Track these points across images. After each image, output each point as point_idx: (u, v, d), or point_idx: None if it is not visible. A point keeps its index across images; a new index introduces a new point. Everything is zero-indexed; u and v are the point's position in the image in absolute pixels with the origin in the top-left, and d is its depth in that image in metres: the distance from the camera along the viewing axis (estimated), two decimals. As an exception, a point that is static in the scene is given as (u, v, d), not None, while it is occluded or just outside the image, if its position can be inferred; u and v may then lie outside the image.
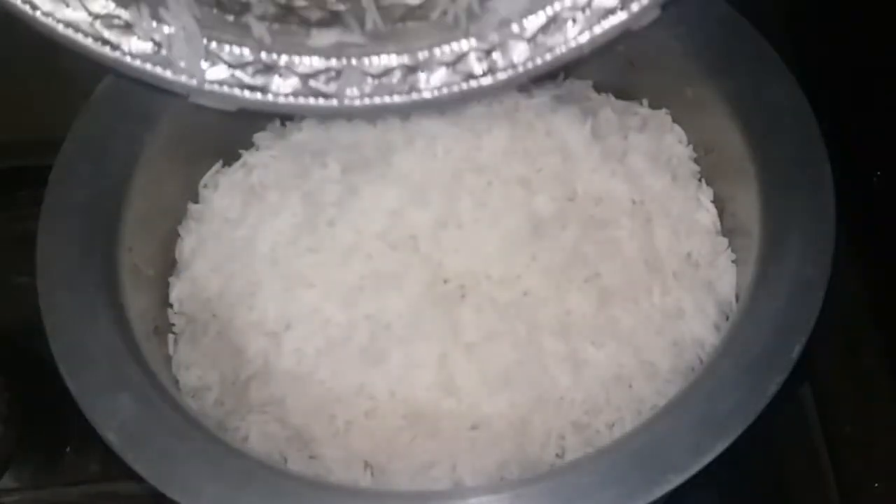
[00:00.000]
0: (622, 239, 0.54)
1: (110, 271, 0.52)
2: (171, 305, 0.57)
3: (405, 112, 0.55)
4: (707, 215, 0.56)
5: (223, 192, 0.59)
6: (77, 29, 0.47)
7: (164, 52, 0.47)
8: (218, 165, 0.60)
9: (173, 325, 0.56)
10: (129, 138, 0.56)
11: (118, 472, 0.47)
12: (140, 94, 0.56)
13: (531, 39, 0.47)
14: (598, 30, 0.47)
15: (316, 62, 0.48)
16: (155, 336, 0.54)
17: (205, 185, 0.59)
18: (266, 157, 0.60)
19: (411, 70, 0.48)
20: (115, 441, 0.47)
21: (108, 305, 0.51)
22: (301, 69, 0.48)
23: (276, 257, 0.55)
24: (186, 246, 0.58)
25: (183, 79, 0.48)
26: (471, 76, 0.48)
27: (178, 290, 0.57)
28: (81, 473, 0.59)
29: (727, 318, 0.53)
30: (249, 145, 0.61)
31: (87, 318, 0.50)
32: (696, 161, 0.58)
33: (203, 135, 0.59)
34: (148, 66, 0.48)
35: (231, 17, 0.47)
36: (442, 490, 0.49)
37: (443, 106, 0.54)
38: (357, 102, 0.49)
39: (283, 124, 0.61)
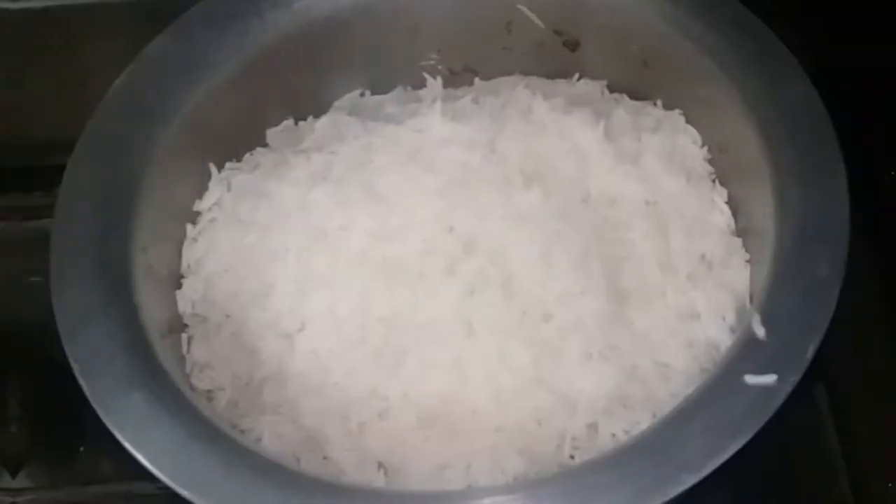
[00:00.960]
0: (636, 240, 0.54)
1: (124, 271, 0.52)
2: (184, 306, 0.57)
3: None
4: (721, 216, 0.56)
5: (236, 192, 0.59)
6: None
7: None
8: (231, 165, 0.60)
9: (187, 325, 0.56)
10: (142, 138, 0.55)
11: (132, 472, 0.47)
12: (154, 93, 0.56)
13: None
14: None
15: None
16: (168, 336, 0.54)
17: (218, 185, 0.59)
18: (279, 157, 0.60)
19: None
20: (128, 441, 0.47)
21: (122, 305, 0.51)
22: None
23: (290, 258, 0.55)
24: (200, 246, 0.58)
25: None
26: None
27: (192, 291, 0.57)
28: (95, 473, 0.58)
29: (741, 319, 0.53)
30: (263, 145, 0.61)
31: (100, 318, 0.50)
32: (710, 162, 0.58)
33: (216, 135, 0.59)
34: None
35: None
36: (456, 490, 0.49)
37: None
38: None
39: (296, 124, 0.61)
